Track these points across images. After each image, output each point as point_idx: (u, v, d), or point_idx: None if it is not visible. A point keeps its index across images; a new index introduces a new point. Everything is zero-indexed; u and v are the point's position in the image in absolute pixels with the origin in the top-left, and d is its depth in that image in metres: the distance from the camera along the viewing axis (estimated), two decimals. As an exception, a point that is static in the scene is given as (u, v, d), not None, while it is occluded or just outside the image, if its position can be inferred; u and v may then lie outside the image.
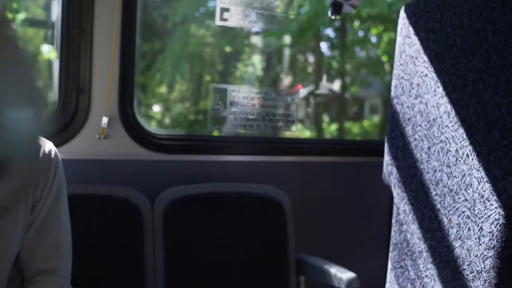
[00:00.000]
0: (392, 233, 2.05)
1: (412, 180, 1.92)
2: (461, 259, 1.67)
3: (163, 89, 7.92)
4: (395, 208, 2.03)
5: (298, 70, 8.93)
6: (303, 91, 7.98)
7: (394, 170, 2.01)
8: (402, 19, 1.98)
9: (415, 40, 1.91)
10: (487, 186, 1.57)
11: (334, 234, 2.56)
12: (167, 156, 2.23)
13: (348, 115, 9.72)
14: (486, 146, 1.60)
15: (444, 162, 1.76)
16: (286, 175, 2.46)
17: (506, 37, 1.57)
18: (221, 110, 2.35)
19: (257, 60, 8.28)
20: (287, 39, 7.65)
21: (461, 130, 1.69)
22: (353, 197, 2.58)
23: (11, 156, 1.06)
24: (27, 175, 1.27)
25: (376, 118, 10.02)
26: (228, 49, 8.17)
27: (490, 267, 1.56)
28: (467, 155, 1.66)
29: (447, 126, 1.75)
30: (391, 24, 7.47)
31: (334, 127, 9.10)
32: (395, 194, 2.02)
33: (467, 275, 1.65)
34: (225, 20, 2.26)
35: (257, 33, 7.81)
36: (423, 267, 1.86)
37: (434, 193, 1.81)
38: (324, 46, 9.18)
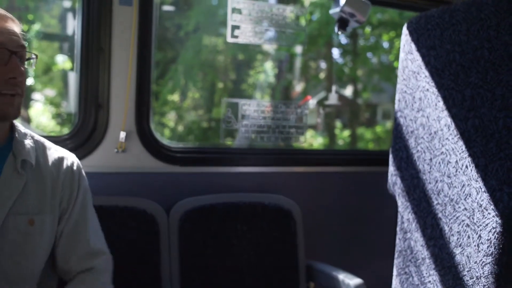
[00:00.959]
0: (397, 240, 2.09)
1: (415, 190, 1.97)
2: (461, 266, 1.73)
3: (176, 97, 7.94)
4: (399, 217, 2.08)
5: (310, 76, 8.92)
6: (313, 101, 7.96)
7: (398, 180, 2.07)
8: (405, 36, 2.04)
9: (417, 56, 1.96)
10: (485, 196, 1.63)
11: (343, 242, 2.60)
12: (182, 168, 2.29)
13: (361, 121, 9.68)
14: (483, 158, 1.65)
15: (445, 173, 1.81)
16: (296, 185, 2.50)
17: (502, 54, 1.63)
18: (233, 123, 2.43)
19: (269, 67, 8.28)
20: (298, 48, 7.66)
21: (461, 143, 1.74)
22: (360, 206, 2.61)
23: None
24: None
25: (389, 124, 9.94)
26: (240, 56, 8.20)
27: (488, 272, 1.62)
28: (466, 167, 1.71)
29: (447, 138, 1.80)
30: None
31: (346, 133, 9.04)
32: (399, 203, 2.07)
33: (467, 280, 1.70)
34: (236, 37, 2.36)
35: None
36: (426, 273, 1.91)
37: (435, 202, 1.86)
38: (336, 53, 9.15)
